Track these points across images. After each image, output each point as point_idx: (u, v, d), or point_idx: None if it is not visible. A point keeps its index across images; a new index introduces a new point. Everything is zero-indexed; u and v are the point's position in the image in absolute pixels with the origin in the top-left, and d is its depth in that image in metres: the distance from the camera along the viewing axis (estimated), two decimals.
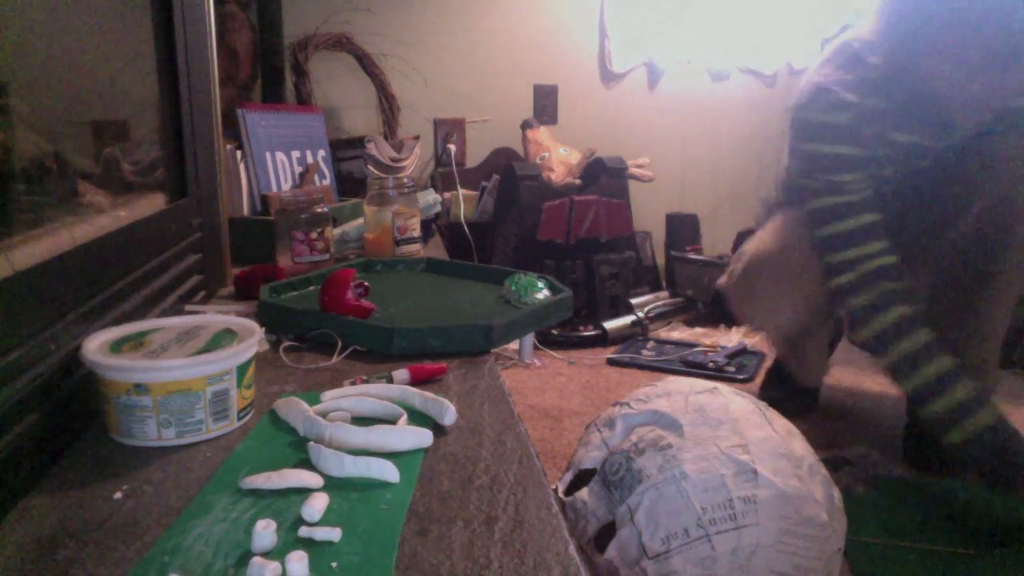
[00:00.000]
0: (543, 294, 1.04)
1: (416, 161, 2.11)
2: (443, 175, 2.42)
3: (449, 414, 0.68)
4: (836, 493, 0.82)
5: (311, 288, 1.12)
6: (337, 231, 1.49)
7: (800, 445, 0.83)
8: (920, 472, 1.26)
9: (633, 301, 2.17)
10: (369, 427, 0.63)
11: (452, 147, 2.48)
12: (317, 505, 0.52)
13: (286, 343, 0.91)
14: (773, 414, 0.86)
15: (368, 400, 0.71)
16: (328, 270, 1.15)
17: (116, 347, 0.66)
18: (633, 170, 2.25)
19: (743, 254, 1.39)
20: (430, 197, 1.72)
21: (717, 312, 2.21)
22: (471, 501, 0.55)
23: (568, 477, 0.87)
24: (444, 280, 1.21)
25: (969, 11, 1.05)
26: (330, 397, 0.72)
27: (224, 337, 0.69)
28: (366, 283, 1.05)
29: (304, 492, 0.55)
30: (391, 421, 0.68)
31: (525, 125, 2.35)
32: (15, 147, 0.65)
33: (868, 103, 1.17)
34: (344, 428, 0.63)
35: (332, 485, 0.57)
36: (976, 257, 1.20)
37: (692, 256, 2.37)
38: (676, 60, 2.62)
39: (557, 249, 2.10)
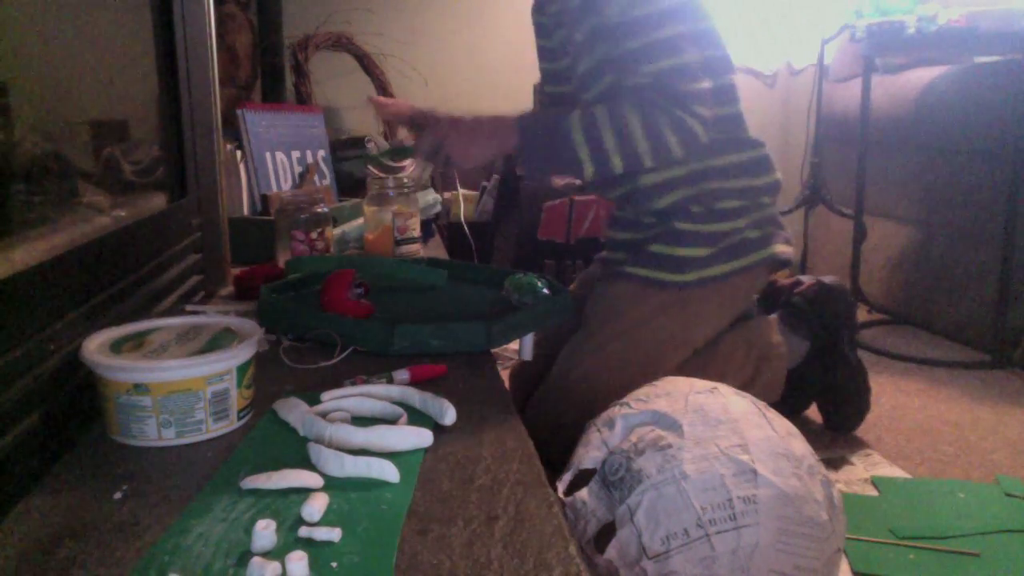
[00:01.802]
0: (543, 294, 1.04)
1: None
2: (443, 175, 2.42)
3: (449, 414, 0.68)
4: (836, 493, 0.82)
5: (311, 288, 1.12)
6: (337, 231, 1.49)
7: (800, 445, 0.83)
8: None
9: None
10: (369, 427, 0.63)
11: None
12: (317, 505, 0.52)
13: (286, 343, 0.91)
14: (773, 414, 0.86)
15: (368, 400, 0.71)
16: (328, 270, 1.15)
17: (116, 347, 0.66)
18: None
19: None
20: (430, 197, 1.72)
21: None
22: (471, 501, 0.55)
23: (568, 477, 0.87)
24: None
25: None
26: (330, 397, 0.72)
27: (224, 337, 0.69)
28: (366, 283, 1.05)
29: (304, 492, 0.55)
30: (391, 421, 0.68)
31: None
32: (15, 147, 0.65)
33: None
34: (344, 428, 0.63)
35: (332, 485, 0.57)
36: None
37: None
38: None
39: (557, 249, 2.10)
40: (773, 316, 1.34)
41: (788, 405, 1.34)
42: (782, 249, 1.18)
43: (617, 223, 1.30)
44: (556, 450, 0.94)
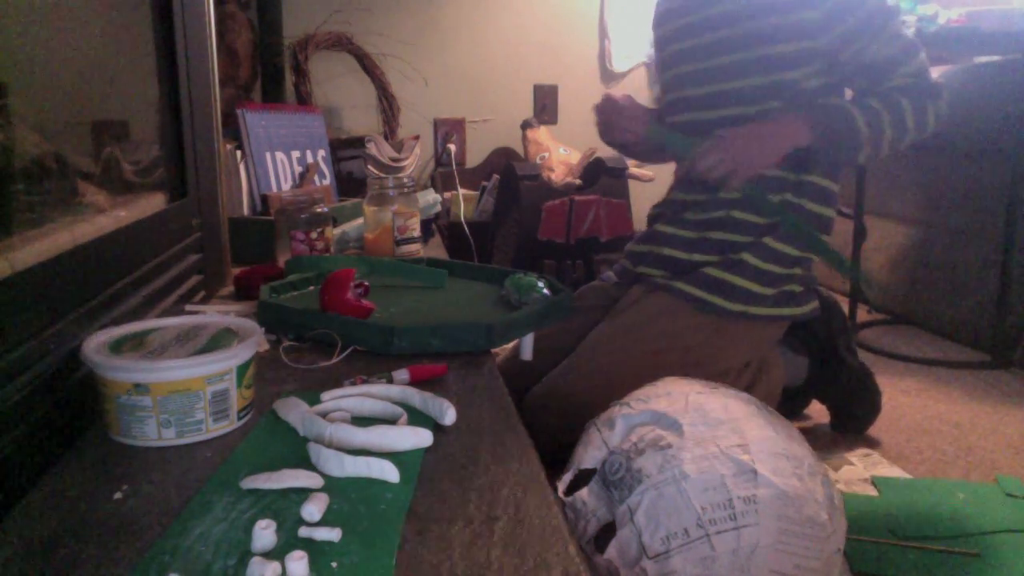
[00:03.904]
0: (543, 294, 1.04)
1: (416, 161, 2.11)
2: (443, 175, 2.42)
3: (449, 414, 0.68)
4: (836, 493, 0.82)
5: (311, 288, 1.12)
6: (337, 231, 1.49)
7: (800, 445, 0.83)
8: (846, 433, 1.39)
9: None
10: (369, 427, 0.63)
11: (452, 147, 2.48)
12: (317, 505, 0.52)
13: (286, 343, 0.91)
14: (773, 414, 0.86)
15: (368, 400, 0.71)
16: (328, 270, 1.15)
17: (116, 347, 0.66)
18: (633, 170, 2.25)
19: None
20: (430, 197, 1.72)
21: None
22: (471, 501, 0.55)
23: (568, 477, 0.87)
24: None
25: None
26: (330, 397, 0.72)
27: (224, 337, 0.69)
28: (366, 283, 1.05)
29: (304, 492, 0.55)
30: (391, 421, 0.68)
31: (525, 125, 2.35)
32: (15, 147, 0.65)
33: None
34: (344, 428, 0.63)
35: (332, 485, 0.57)
36: None
37: None
38: None
39: (557, 249, 2.10)
40: None
41: (788, 411, 1.35)
42: (812, 309, 1.22)
43: (662, 239, 1.28)
44: (550, 441, 0.94)
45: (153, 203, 1.00)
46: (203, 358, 0.64)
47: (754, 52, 1.17)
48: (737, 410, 0.83)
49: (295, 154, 1.76)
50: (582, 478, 0.85)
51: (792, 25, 1.14)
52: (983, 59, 1.97)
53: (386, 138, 2.21)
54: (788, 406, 1.36)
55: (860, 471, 1.26)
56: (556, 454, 0.90)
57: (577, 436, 0.91)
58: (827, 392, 1.40)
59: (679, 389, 0.88)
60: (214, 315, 0.77)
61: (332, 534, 0.49)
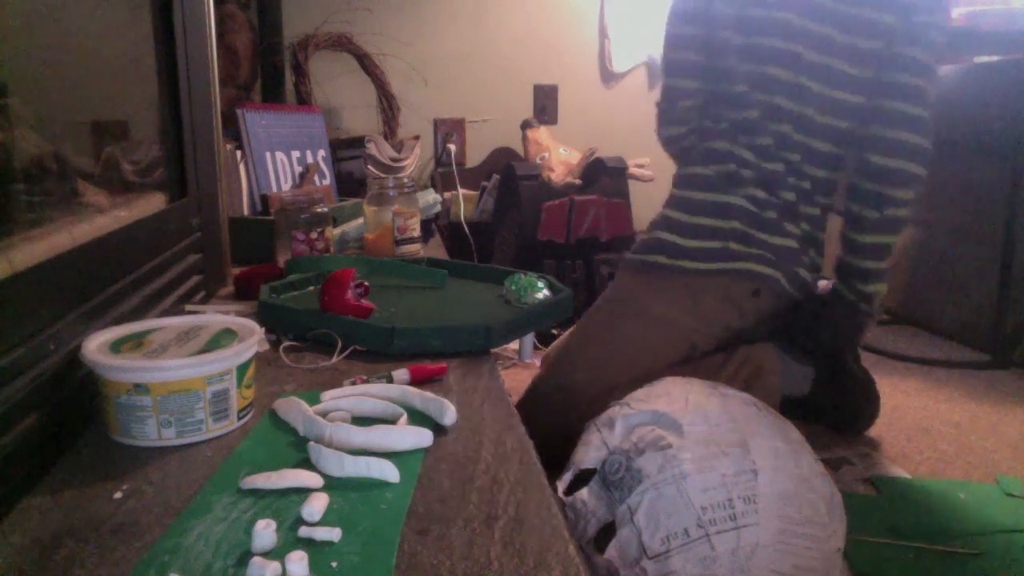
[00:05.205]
0: (543, 294, 1.04)
1: (416, 161, 2.11)
2: (443, 175, 2.42)
3: (449, 414, 0.68)
4: (836, 493, 0.82)
5: (311, 288, 1.12)
6: (337, 231, 1.49)
7: (800, 445, 0.83)
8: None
9: None
10: (369, 427, 0.63)
11: (452, 147, 2.48)
12: (317, 505, 0.52)
13: (286, 343, 0.91)
14: (773, 414, 0.86)
15: (368, 400, 0.71)
16: (328, 270, 1.15)
17: (116, 347, 0.66)
18: (633, 170, 2.24)
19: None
20: (430, 197, 1.72)
21: None
22: (471, 501, 0.55)
23: (568, 477, 0.87)
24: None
25: None
26: (330, 397, 0.72)
27: (224, 337, 0.69)
28: (366, 283, 1.05)
29: (304, 492, 0.55)
30: (391, 421, 0.68)
31: (525, 125, 2.35)
32: (15, 147, 0.65)
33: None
34: (344, 428, 0.63)
35: (332, 485, 0.57)
36: None
37: None
38: None
39: (557, 249, 2.10)
40: (770, 343, 1.33)
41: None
42: (758, 268, 1.19)
43: None
44: (538, 427, 0.95)
45: (153, 203, 1.00)
46: (203, 358, 0.64)
47: None
48: (737, 410, 0.83)
49: (295, 154, 1.76)
50: (582, 478, 0.85)
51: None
52: (983, 59, 1.97)
53: (386, 138, 2.21)
54: (793, 416, 1.36)
55: (860, 471, 1.26)
56: (556, 451, 0.90)
57: (560, 426, 0.92)
58: (829, 396, 1.40)
59: (679, 389, 0.88)
60: (214, 315, 0.77)
61: (332, 534, 0.49)
